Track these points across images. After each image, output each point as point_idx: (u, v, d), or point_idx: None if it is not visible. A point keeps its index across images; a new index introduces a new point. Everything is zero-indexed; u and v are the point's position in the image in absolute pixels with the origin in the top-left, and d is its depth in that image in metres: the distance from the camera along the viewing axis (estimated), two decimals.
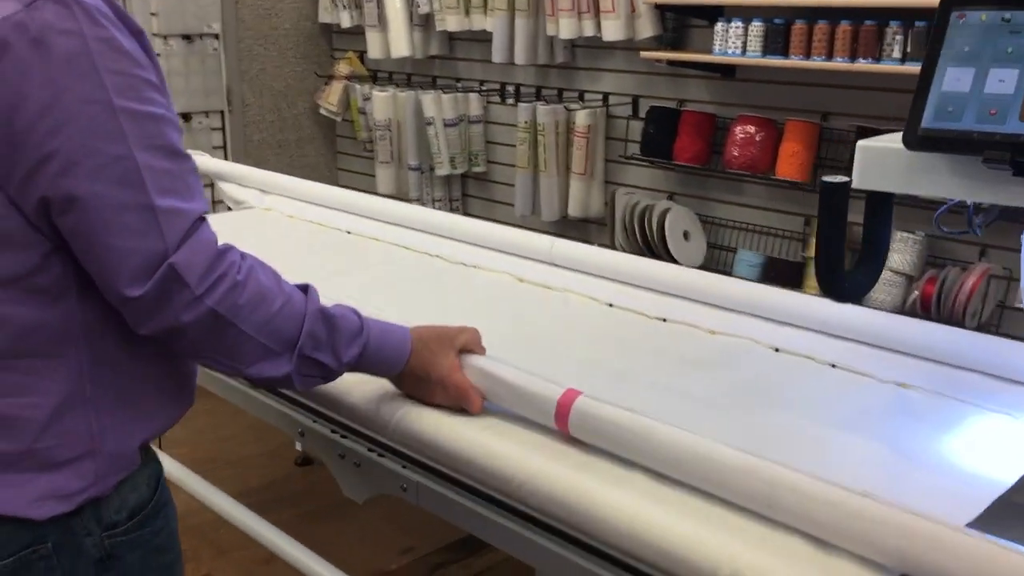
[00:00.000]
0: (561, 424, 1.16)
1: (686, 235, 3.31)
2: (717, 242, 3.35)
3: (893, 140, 1.14)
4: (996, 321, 2.69)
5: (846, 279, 1.17)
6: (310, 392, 1.43)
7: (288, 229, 2.19)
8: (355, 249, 2.05)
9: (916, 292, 2.71)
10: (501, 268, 1.85)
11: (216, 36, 4.18)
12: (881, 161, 1.14)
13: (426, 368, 1.21)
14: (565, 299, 1.72)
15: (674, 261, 2.96)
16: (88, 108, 0.91)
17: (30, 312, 0.97)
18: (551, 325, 1.62)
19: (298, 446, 3.34)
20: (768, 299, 1.55)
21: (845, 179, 1.12)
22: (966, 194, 1.09)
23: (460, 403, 1.24)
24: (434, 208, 3.86)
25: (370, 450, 1.59)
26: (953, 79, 1.07)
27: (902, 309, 2.71)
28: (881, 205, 1.19)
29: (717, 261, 3.34)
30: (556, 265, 1.84)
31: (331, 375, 1.13)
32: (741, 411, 1.29)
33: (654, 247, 3.27)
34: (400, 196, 3.96)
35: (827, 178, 1.13)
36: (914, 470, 1.14)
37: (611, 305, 1.68)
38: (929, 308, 2.67)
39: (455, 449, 1.20)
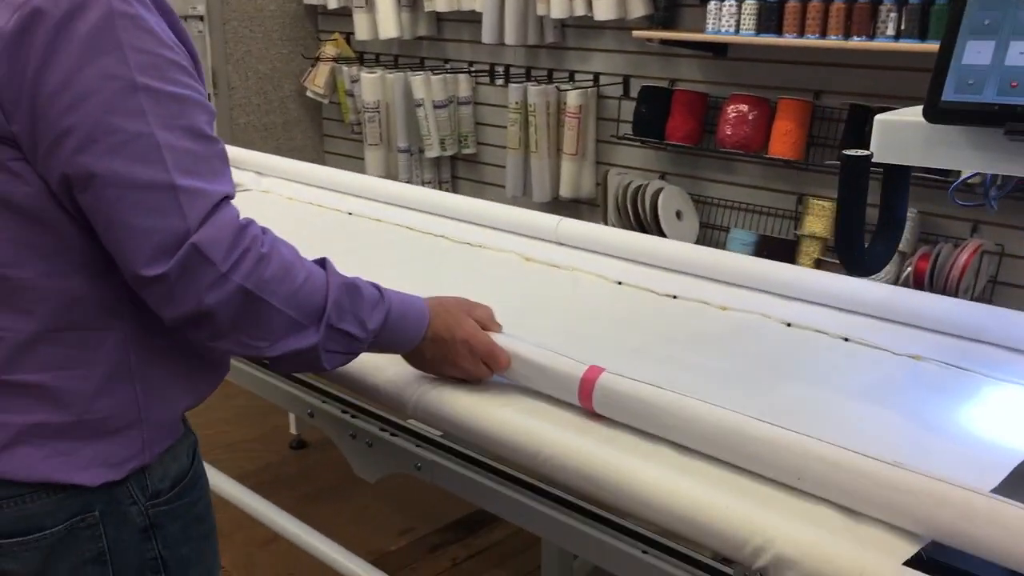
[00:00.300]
0: (585, 401, 1.17)
1: (679, 215, 3.32)
2: (710, 221, 3.37)
3: (912, 114, 1.15)
4: (988, 296, 2.72)
5: (865, 252, 1.18)
6: (329, 373, 1.42)
7: (287, 211, 2.18)
8: (358, 230, 2.04)
9: (909, 268, 2.74)
10: (507, 247, 1.85)
11: (201, 18, 4.14)
12: (900, 134, 1.15)
13: (450, 329, 1.20)
14: (574, 277, 1.73)
15: None
16: (109, 84, 0.90)
17: (77, 285, 0.97)
18: (561, 303, 1.62)
19: (292, 429, 3.33)
20: (778, 275, 1.56)
21: (866, 152, 1.13)
22: (987, 167, 1.10)
23: (487, 361, 1.22)
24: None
25: (382, 430, 1.60)
26: (973, 52, 1.08)
27: (896, 285, 2.73)
28: (898, 178, 1.20)
29: (710, 240, 3.36)
30: (562, 244, 1.84)
31: (356, 347, 1.12)
32: (758, 384, 1.30)
33: (647, 227, 3.28)
34: (389, 178, 3.94)
35: (848, 151, 1.13)
36: (933, 440, 1.15)
37: (620, 283, 1.68)
38: (923, 284, 2.70)
39: (478, 426, 1.20)
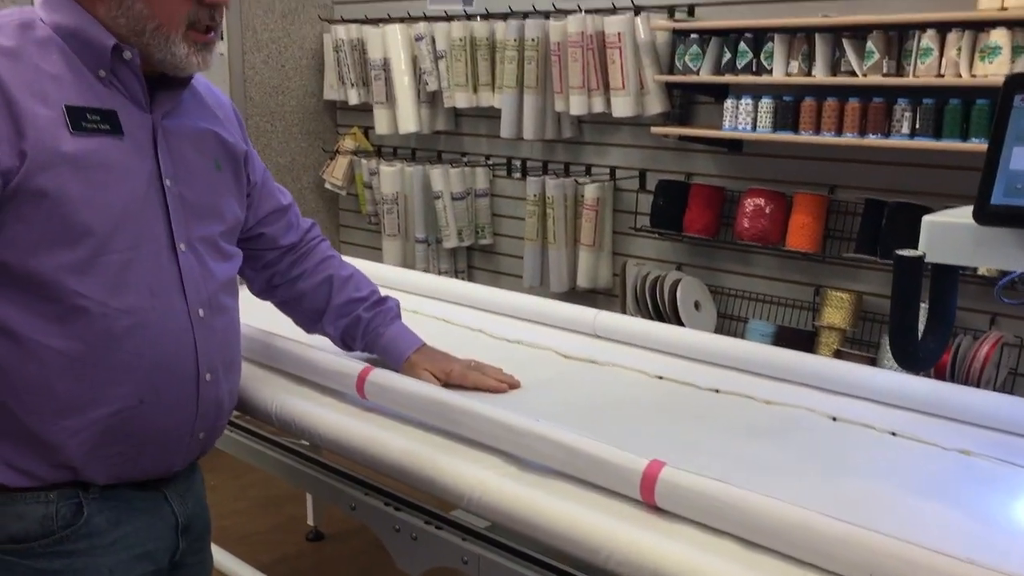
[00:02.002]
0: (647, 495, 1.18)
1: (697, 305, 3.36)
2: (727, 312, 3.41)
3: (960, 215, 1.20)
4: (1009, 388, 2.74)
5: (919, 349, 1.21)
6: (382, 464, 1.43)
7: None
8: None
9: None
10: (545, 343, 1.87)
11: None
12: (949, 235, 1.19)
13: None
14: (613, 373, 1.75)
15: None
16: None
17: None
18: (603, 399, 1.64)
19: (309, 520, 3.30)
20: (821, 369, 1.58)
21: (919, 253, 1.17)
22: None
23: None
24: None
25: (427, 523, 1.60)
26: (1020, 158, 1.13)
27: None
28: (947, 275, 1.24)
29: (728, 331, 3.39)
30: (600, 336, 1.87)
31: None
32: (810, 478, 1.31)
33: (666, 317, 3.32)
34: (406, 267, 3.99)
35: (901, 251, 1.17)
36: (993, 535, 1.16)
37: (661, 377, 1.70)
38: (944, 376, 2.72)
39: (540, 521, 1.21)
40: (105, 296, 1.22)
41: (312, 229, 1.71)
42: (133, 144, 1.27)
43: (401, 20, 4.05)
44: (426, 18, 4.02)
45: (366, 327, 1.66)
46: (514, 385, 1.65)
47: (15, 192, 1.16)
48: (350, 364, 1.59)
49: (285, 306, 1.71)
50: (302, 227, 1.69)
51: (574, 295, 3.72)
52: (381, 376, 1.53)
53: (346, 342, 1.69)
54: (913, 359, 1.21)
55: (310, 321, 1.70)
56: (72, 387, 1.22)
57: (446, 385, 1.59)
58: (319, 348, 1.69)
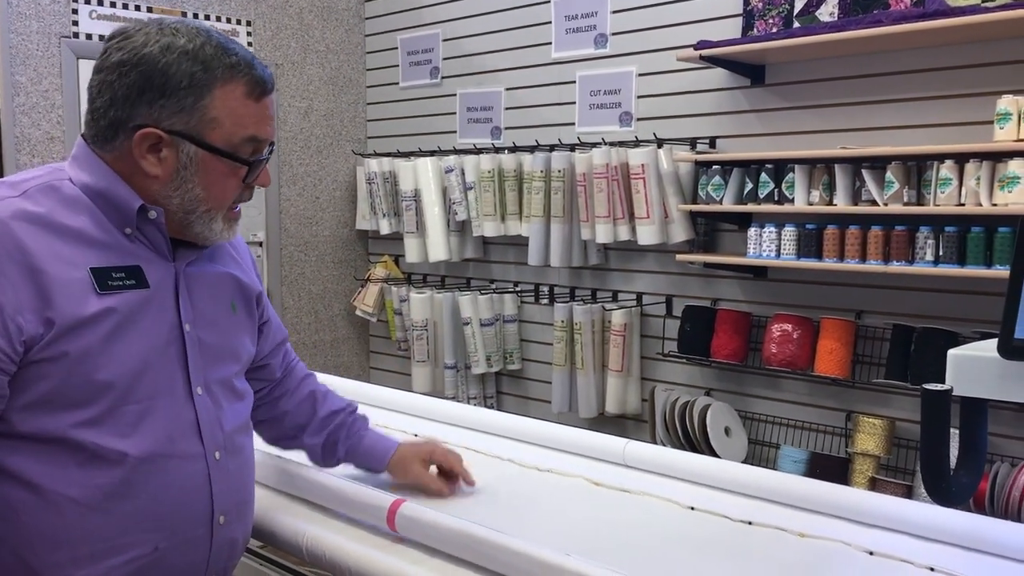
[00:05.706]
0: None
1: (727, 431, 3.33)
2: (758, 438, 3.38)
3: (985, 349, 1.21)
4: None
5: (951, 483, 1.21)
6: None
7: None
8: None
9: None
10: (575, 472, 1.87)
11: (260, 244, 4.37)
12: (975, 369, 1.20)
13: None
14: (644, 503, 1.74)
15: (716, 456, 2.97)
16: None
17: None
18: (634, 530, 1.62)
19: None
20: (858, 502, 1.57)
21: (946, 387, 1.18)
22: None
23: None
24: (469, 405, 3.90)
25: None
26: None
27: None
28: (975, 409, 1.24)
29: (760, 457, 3.35)
30: (630, 467, 1.87)
31: None
32: None
33: (696, 443, 3.29)
34: (436, 394, 4.01)
35: (928, 385, 1.18)
36: None
37: (693, 508, 1.69)
38: (983, 506, 2.66)
39: None
40: (123, 445, 1.24)
41: (290, 351, 1.77)
42: (157, 294, 1.31)
43: (432, 153, 4.21)
44: (456, 151, 4.17)
45: (348, 431, 1.72)
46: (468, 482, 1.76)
47: (39, 357, 1.19)
48: (381, 496, 1.59)
49: (262, 424, 1.71)
50: (290, 353, 1.75)
51: (603, 420, 3.71)
52: (412, 509, 1.53)
53: (325, 452, 1.73)
54: (946, 494, 1.20)
55: (288, 437, 1.73)
56: (89, 537, 1.23)
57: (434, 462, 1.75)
58: (348, 479, 1.70)
